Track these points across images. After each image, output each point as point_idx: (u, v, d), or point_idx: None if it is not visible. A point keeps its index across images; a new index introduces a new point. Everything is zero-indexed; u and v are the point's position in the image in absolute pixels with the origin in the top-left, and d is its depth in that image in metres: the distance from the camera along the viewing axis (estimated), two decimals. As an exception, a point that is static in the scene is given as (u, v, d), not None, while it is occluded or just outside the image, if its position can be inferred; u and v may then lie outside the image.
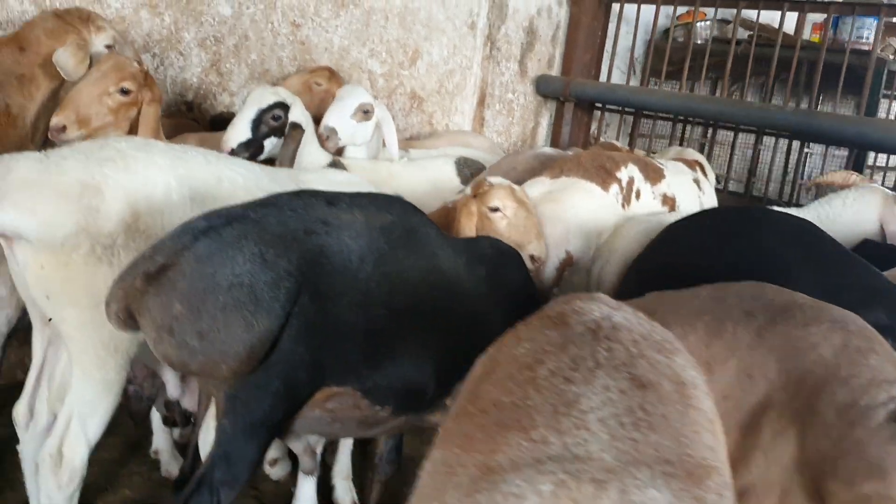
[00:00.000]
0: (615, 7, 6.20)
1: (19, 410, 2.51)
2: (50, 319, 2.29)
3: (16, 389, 2.56)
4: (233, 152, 3.34)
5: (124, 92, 3.06)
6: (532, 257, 3.08)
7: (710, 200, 4.05)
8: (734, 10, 5.52)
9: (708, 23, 6.53)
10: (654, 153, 5.21)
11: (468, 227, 3.03)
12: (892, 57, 6.67)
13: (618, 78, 6.42)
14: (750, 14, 5.99)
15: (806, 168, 7.03)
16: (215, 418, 1.97)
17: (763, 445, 1.75)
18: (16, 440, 2.54)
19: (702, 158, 4.54)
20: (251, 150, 3.44)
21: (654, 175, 3.79)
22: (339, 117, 3.74)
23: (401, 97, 5.40)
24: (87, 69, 3.14)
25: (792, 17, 5.50)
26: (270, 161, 3.49)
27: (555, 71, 6.39)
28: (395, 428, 2.37)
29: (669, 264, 2.84)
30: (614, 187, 3.67)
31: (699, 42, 6.26)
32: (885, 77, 6.50)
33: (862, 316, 1.93)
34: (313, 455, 2.61)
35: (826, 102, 7.65)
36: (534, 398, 1.03)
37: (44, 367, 2.50)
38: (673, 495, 0.97)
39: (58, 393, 2.41)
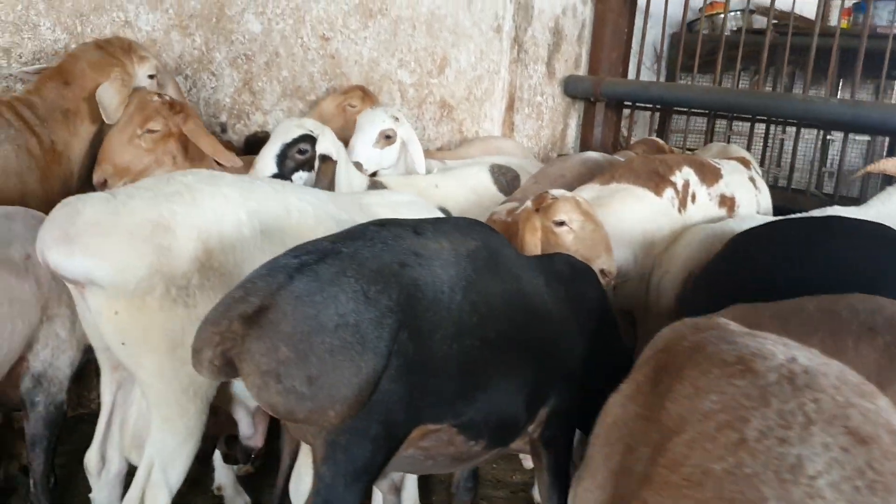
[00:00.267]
0: (640, 2, 6.08)
1: (90, 458, 2.43)
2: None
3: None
4: None
5: (152, 132, 3.07)
6: (602, 271, 2.91)
7: (766, 199, 3.94)
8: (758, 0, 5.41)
9: (735, 14, 6.41)
10: (690, 150, 5.09)
11: (533, 244, 2.92)
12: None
13: (644, 74, 6.30)
14: (762, 1, 5.87)
15: (828, 156, 6.94)
16: (312, 466, 1.87)
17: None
18: (76, 474, 2.47)
19: (748, 155, 4.43)
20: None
21: (710, 176, 3.69)
22: (361, 149, 3.71)
23: (431, 106, 5.30)
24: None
25: (812, 4, 5.39)
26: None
27: (581, 70, 6.28)
28: (485, 462, 2.27)
29: (744, 275, 2.75)
30: (668, 191, 3.58)
31: (728, 33, 6.13)
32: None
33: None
34: (397, 493, 2.51)
35: (845, 88, 7.55)
36: (750, 465, 0.92)
37: (114, 412, 2.41)
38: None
39: (132, 440, 2.32)
